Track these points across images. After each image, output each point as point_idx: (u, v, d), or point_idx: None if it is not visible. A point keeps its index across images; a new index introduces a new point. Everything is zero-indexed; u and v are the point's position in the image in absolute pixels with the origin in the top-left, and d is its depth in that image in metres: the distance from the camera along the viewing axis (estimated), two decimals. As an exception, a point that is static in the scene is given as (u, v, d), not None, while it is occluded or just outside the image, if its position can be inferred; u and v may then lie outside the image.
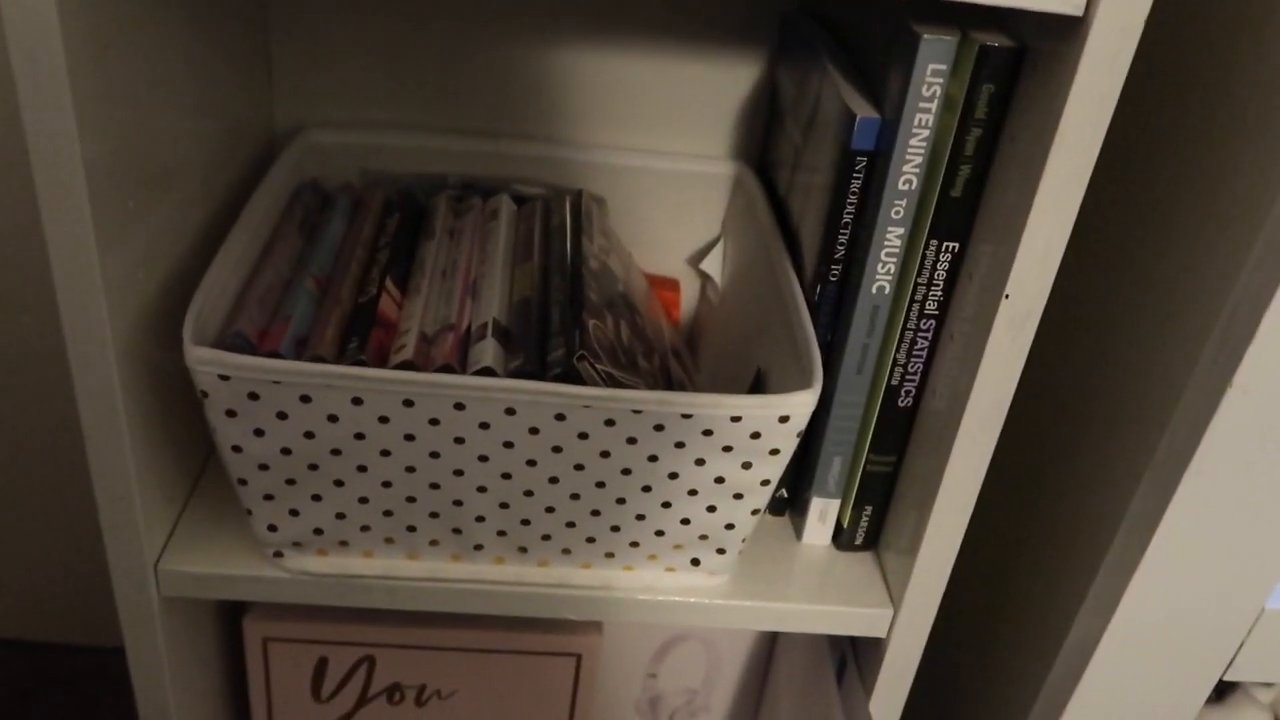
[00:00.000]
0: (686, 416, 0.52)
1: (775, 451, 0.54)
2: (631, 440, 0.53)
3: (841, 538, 0.64)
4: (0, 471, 1.01)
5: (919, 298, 0.57)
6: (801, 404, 0.52)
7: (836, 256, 0.58)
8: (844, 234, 0.58)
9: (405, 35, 0.74)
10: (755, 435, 0.53)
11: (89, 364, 0.50)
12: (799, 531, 0.65)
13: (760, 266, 0.67)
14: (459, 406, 0.51)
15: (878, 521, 0.63)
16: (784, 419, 0.52)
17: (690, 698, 0.83)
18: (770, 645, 0.81)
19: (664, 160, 0.77)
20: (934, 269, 0.56)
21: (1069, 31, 0.46)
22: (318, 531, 0.56)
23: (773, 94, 0.76)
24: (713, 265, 0.79)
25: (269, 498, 0.54)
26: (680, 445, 0.53)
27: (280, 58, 0.74)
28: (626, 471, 0.54)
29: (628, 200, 0.78)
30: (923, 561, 0.58)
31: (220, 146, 0.65)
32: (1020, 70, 0.51)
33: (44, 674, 1.09)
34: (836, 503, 0.64)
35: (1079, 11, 0.44)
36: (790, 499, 0.67)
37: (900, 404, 0.60)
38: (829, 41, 0.65)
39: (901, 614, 0.60)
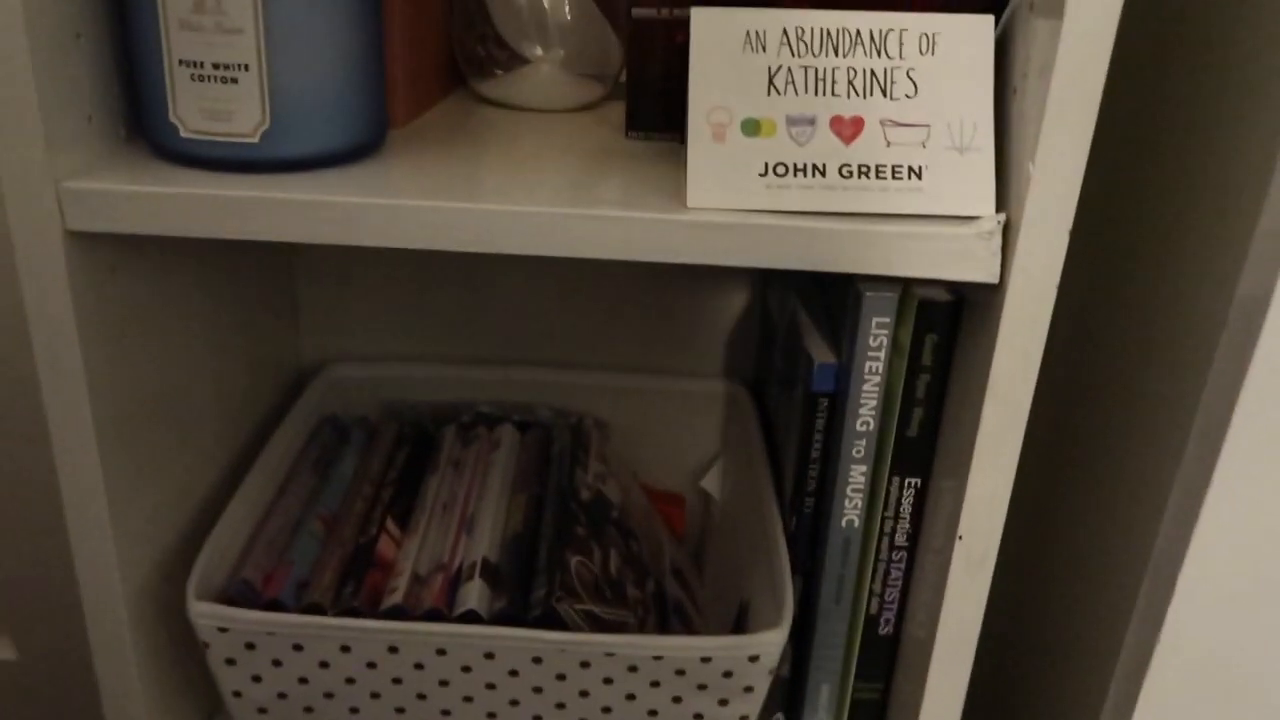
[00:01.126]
0: (658, 659, 0.54)
1: (749, 689, 0.55)
2: (608, 680, 0.55)
3: (838, 765, 0.65)
4: (63, 692, 1.05)
5: (888, 530, 0.59)
6: (770, 643, 0.54)
7: (809, 490, 0.61)
8: (814, 468, 0.61)
9: (422, 277, 0.80)
10: (727, 674, 0.55)
11: (101, 614, 0.55)
12: (794, 758, 0.66)
13: (750, 491, 0.70)
14: (441, 652, 0.54)
15: (869, 750, 0.64)
16: (754, 658, 0.54)
17: None
18: None
19: (664, 380, 0.82)
20: (899, 504, 0.59)
21: (991, 293, 0.49)
22: (314, 771, 0.58)
23: (763, 315, 0.80)
24: (712, 482, 0.82)
25: (267, 740, 0.57)
26: (656, 684, 0.55)
27: (306, 301, 0.81)
28: (607, 710, 0.56)
29: (631, 419, 0.82)
30: (910, 794, 0.59)
31: (246, 387, 0.71)
32: (960, 320, 0.54)
33: None
34: (829, 729, 0.65)
35: (994, 280, 0.48)
36: (786, 723, 0.68)
37: (881, 632, 0.61)
38: (803, 277, 0.70)
39: None
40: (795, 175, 0.45)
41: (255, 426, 0.73)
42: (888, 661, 0.62)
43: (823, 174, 0.45)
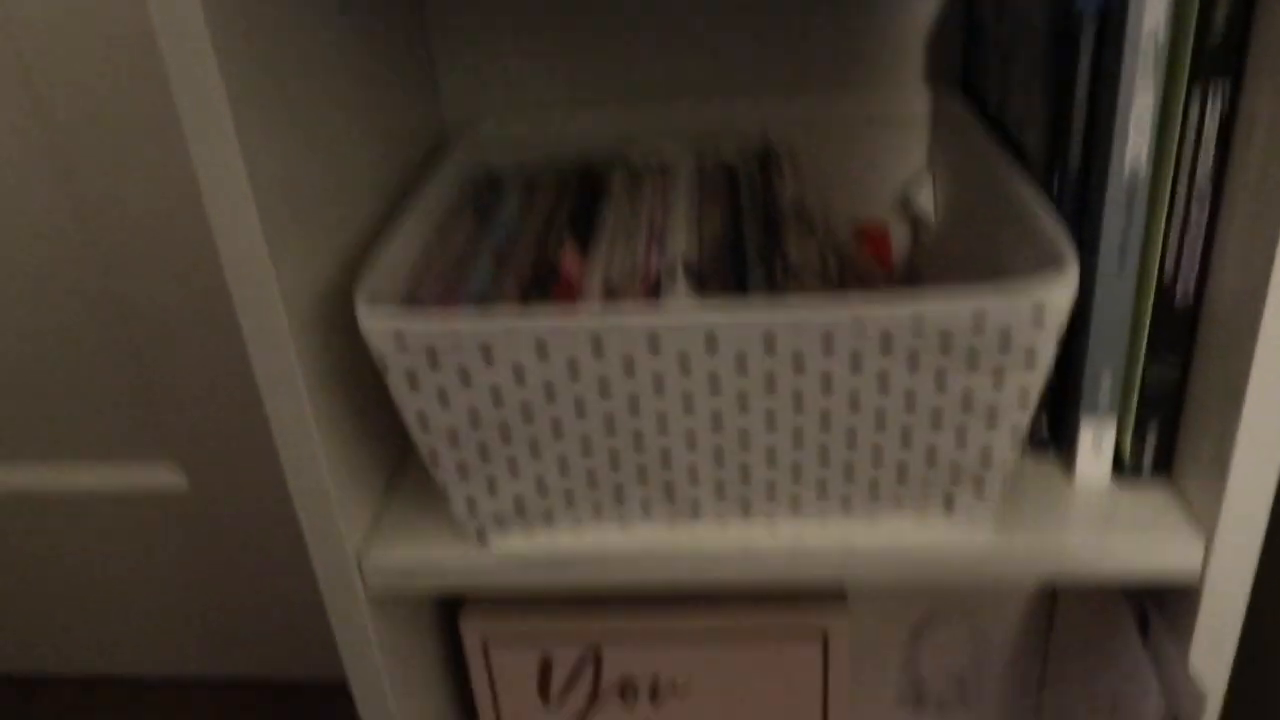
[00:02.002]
0: (917, 323, 0.44)
1: (1031, 356, 0.45)
2: (854, 362, 0.45)
3: (1124, 466, 0.54)
4: (233, 520, 1.03)
5: (1185, 168, 0.47)
6: (1056, 290, 0.43)
7: (1074, 136, 0.50)
8: (1079, 109, 0.49)
9: (563, 13, 0.70)
10: (1004, 337, 0.44)
11: (270, 362, 0.48)
12: (1070, 467, 0.55)
13: (980, 183, 0.58)
14: (653, 344, 0.45)
15: (1168, 441, 0.53)
16: (1037, 311, 0.44)
17: (959, 684, 0.73)
18: (1047, 616, 0.70)
19: (855, 102, 0.70)
20: (1200, 131, 0.47)
21: None
22: (519, 507, 0.51)
23: (967, 11, 0.68)
24: (924, 202, 0.70)
25: (463, 472, 0.50)
26: (914, 361, 0.45)
27: (442, 55, 0.72)
28: (854, 405, 0.47)
29: (822, 149, 0.71)
30: (1236, 482, 0.48)
31: (390, 147, 0.62)
32: None
33: (292, 715, 1.10)
34: (1113, 425, 0.54)
35: None
36: (1054, 433, 0.57)
37: (1178, 303, 0.50)
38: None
39: (1216, 546, 0.49)
40: None
41: (404, 188, 0.65)
42: (1186, 335, 0.51)
43: None
